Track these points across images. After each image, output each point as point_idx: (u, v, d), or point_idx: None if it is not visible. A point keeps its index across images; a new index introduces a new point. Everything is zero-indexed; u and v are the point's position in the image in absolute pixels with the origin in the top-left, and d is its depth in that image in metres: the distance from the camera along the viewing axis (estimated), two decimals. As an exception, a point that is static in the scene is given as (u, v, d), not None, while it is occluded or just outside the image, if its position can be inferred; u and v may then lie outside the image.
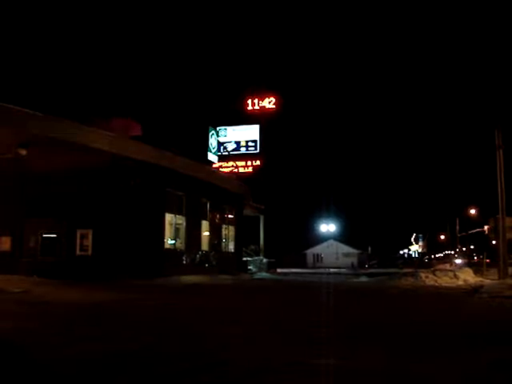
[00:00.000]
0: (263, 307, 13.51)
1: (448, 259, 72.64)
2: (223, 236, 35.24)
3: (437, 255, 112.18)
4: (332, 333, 8.43)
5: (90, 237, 24.01)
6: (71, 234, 24.15)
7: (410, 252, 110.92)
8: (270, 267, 42.06)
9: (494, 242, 31.35)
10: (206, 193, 31.67)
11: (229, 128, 43.36)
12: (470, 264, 51.60)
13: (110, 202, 23.72)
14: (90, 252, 23.92)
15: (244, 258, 39.42)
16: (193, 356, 6.66)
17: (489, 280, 25.65)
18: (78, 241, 24.16)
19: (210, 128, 41.89)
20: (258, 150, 42.73)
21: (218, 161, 42.57)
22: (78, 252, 24.08)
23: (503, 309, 13.64)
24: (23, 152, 20.46)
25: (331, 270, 65.14)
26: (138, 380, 5.51)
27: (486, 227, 38.50)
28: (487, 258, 43.92)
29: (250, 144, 42.94)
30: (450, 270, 29.08)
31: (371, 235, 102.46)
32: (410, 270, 36.57)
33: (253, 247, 45.18)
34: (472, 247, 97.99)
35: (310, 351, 6.95)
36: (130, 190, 24.43)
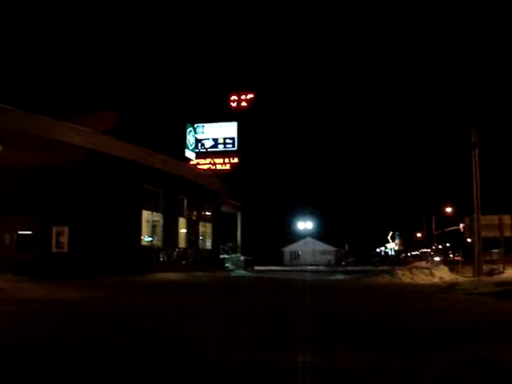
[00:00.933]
0: (240, 305, 13.48)
1: (424, 257, 73.16)
2: (200, 233, 35.18)
3: (413, 253, 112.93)
4: (309, 331, 8.43)
5: (66, 234, 23.77)
6: (47, 230, 23.90)
7: (387, 250, 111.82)
8: (247, 265, 42.11)
9: (469, 240, 31.65)
10: (184, 190, 31.59)
11: (206, 125, 43.23)
12: (445, 262, 51.95)
13: (86, 199, 23.52)
14: (66, 249, 23.69)
15: (221, 256, 39.43)
16: (171, 353, 6.61)
17: (464, 277, 25.89)
18: (54, 238, 23.91)
19: (188, 125, 41.76)
20: (235, 147, 42.68)
21: (196, 158, 42.45)
22: (54, 249, 23.84)
23: (477, 306, 13.74)
24: (-2, 148, 20.20)
25: (308, 267, 65.37)
26: (118, 376, 5.45)
27: (461, 225, 38.90)
28: (463, 256, 44.36)
29: (227, 141, 42.85)
30: (426, 268, 29.34)
31: (348, 233, 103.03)
32: (386, 268, 36.88)
33: (230, 244, 45.19)
34: (448, 245, 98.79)
35: (287, 348, 6.95)
36: (107, 186, 24.25)
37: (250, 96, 43.35)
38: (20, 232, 24.92)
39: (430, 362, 6.14)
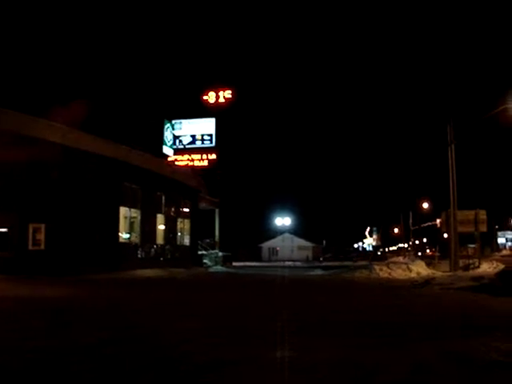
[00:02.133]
0: (219, 301, 13.50)
1: (402, 252, 73.70)
2: (178, 229, 35.12)
3: (390, 248, 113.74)
4: (287, 326, 8.47)
5: (43, 231, 23.60)
6: (23, 228, 23.71)
7: (365, 245, 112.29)
8: (226, 261, 42.14)
9: (445, 236, 31.94)
10: (162, 186, 31.52)
11: (184, 121, 42.99)
12: (422, 257, 52.41)
13: (63, 196, 23.37)
14: (43, 246, 23.52)
15: (199, 252, 39.41)
16: (151, 350, 6.62)
17: (440, 272, 26.15)
18: (31, 235, 23.73)
19: (166, 121, 41.51)
20: (213, 144, 42.47)
21: (174, 154, 42.19)
22: (30, 247, 23.65)
23: (452, 300, 13.90)
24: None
25: (286, 263, 65.53)
26: (101, 376, 5.44)
27: (438, 221, 39.24)
28: (439, 251, 44.78)
29: (205, 137, 42.64)
30: (404, 263, 29.60)
31: (326, 228, 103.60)
32: (364, 263, 37.07)
33: (208, 241, 45.13)
34: (425, 240, 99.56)
35: (264, 344, 6.98)
36: (85, 183, 24.11)
37: (228, 92, 43.22)
38: (-4, 229, 24.69)
39: (403, 355, 6.21)
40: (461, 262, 27.84)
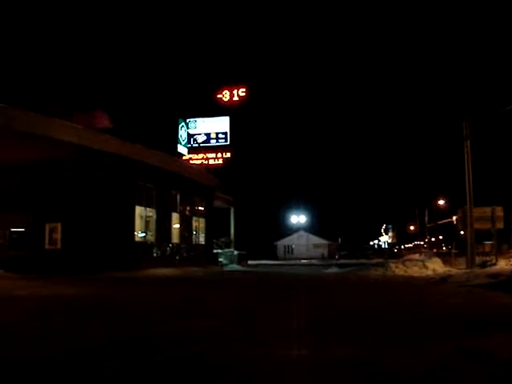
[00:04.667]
0: (234, 300, 13.50)
1: (418, 249, 73.29)
2: (194, 228, 35.15)
3: (406, 245, 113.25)
4: (303, 324, 8.45)
5: (59, 230, 23.75)
6: (40, 227, 23.87)
7: (380, 242, 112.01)
8: (241, 259, 42.14)
9: (462, 233, 31.72)
10: (177, 185, 31.56)
11: (199, 120, 43.14)
12: (438, 254, 52.13)
13: (79, 195, 23.48)
14: (59, 246, 23.68)
15: (215, 251, 39.42)
16: (171, 347, 6.63)
17: (457, 270, 25.98)
18: (47, 234, 23.90)
19: (180, 120, 41.65)
20: (228, 142, 42.60)
21: (188, 153, 42.37)
22: (47, 246, 23.82)
23: (469, 297, 13.81)
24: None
25: (302, 261, 65.51)
26: (123, 370, 5.45)
27: (454, 218, 38.97)
28: (456, 248, 44.48)
29: (220, 136, 42.77)
30: (420, 260, 29.41)
31: (341, 226, 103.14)
32: (380, 261, 36.90)
33: (223, 239, 45.19)
34: (441, 237, 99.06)
35: (281, 342, 6.97)
36: (100, 182, 24.21)
37: (242, 90, 43.22)
38: (13, 229, 24.90)
39: (421, 353, 6.17)
40: (477, 259, 27.66)
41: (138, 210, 27.63)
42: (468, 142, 27.47)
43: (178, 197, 32.12)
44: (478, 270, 23.47)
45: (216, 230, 41.17)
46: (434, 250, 69.74)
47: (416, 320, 9.21)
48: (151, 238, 29.12)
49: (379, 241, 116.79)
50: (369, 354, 6.24)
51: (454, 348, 6.42)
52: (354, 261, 51.92)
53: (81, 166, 23.57)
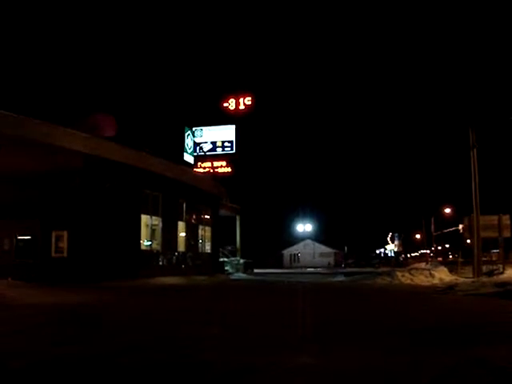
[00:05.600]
0: (240, 308, 13.47)
1: (424, 258, 73.16)
2: (200, 237, 35.14)
3: (412, 254, 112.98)
4: (309, 332, 8.44)
5: (66, 238, 23.75)
6: (46, 235, 23.89)
7: (386, 251, 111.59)
8: (247, 268, 42.12)
9: (468, 241, 31.62)
10: (183, 193, 31.58)
11: (205, 128, 43.18)
12: (445, 263, 51.98)
13: (85, 203, 23.51)
14: (65, 254, 23.67)
15: (221, 259, 39.41)
16: (174, 357, 6.62)
17: (463, 278, 25.91)
18: (54, 242, 23.90)
19: (186, 128, 41.71)
20: (234, 151, 42.61)
21: (194, 161, 42.39)
22: (53, 254, 23.82)
23: (476, 306, 13.75)
24: (-4, 153, 20.16)
25: (308, 269, 65.42)
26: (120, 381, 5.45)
27: (460, 226, 38.82)
28: (462, 257, 44.36)
29: (226, 144, 42.80)
30: (426, 269, 29.34)
31: (347, 234, 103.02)
32: (386, 269, 36.88)
33: (229, 248, 45.20)
34: (447, 246, 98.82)
35: (287, 351, 6.95)
36: (106, 190, 24.24)
37: (247, 98, 43.26)
38: (19, 237, 24.92)
39: (428, 362, 6.14)
40: (484, 268, 27.57)
41: (144, 218, 27.65)
42: (474, 150, 27.42)
43: (184, 205, 32.14)
44: (484, 279, 23.40)
45: (222, 239, 41.18)
46: (438, 258, 69.54)
47: (423, 329, 9.17)
48: (157, 246, 29.11)
49: (385, 249, 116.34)
50: (377, 362, 6.22)
51: (461, 357, 6.39)
52: (360, 269, 51.89)
53: (87, 174, 23.61)
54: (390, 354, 6.69)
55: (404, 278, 25.43)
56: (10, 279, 21.11)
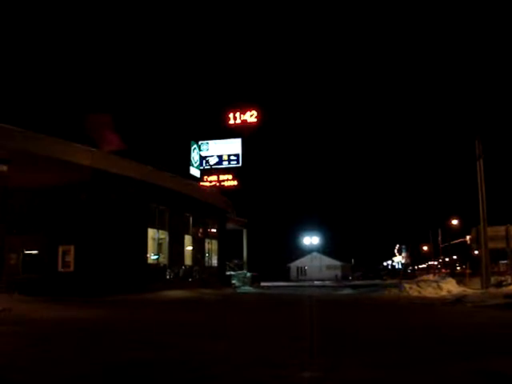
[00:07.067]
0: (248, 322, 13.43)
1: (432, 270, 72.86)
2: (206, 250, 35.12)
3: (420, 266, 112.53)
4: (316, 346, 8.40)
5: (72, 253, 23.75)
6: (53, 250, 23.89)
7: (394, 263, 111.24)
8: (254, 281, 42.02)
9: (476, 252, 31.50)
10: (189, 207, 31.60)
11: (211, 142, 43.31)
12: (453, 274, 51.78)
13: (92, 218, 23.53)
14: (72, 268, 23.66)
15: (227, 272, 39.34)
16: (182, 371, 6.60)
17: (472, 290, 25.77)
18: (60, 257, 23.89)
19: (192, 142, 41.84)
20: (240, 164, 42.69)
21: (201, 175, 42.47)
22: (60, 268, 23.81)
23: (485, 318, 13.67)
24: (3, 168, 20.21)
25: (315, 282, 65.23)
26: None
27: (468, 237, 38.70)
28: (470, 268, 44.17)
29: (232, 158, 42.88)
30: (434, 281, 29.23)
31: (354, 247, 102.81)
32: (393, 282, 36.73)
33: (236, 261, 45.16)
34: (455, 257, 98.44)
35: (294, 365, 6.91)
36: (113, 205, 24.27)
37: (253, 112, 43.35)
38: (26, 252, 24.92)
39: (435, 375, 6.10)
40: (492, 279, 27.42)
41: (151, 232, 27.66)
42: (481, 161, 27.36)
43: (191, 219, 32.15)
44: (493, 290, 23.27)
45: (229, 252, 41.15)
46: (443, 270, 69.18)
47: (431, 341, 9.12)
48: (164, 260, 29.11)
49: (392, 261, 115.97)
50: (387, 377, 6.17)
51: (470, 370, 6.34)
52: (367, 282, 51.74)
53: (94, 188, 23.64)
54: (396, 368, 6.64)
55: (412, 290, 25.33)
56: (16, 294, 21.12)
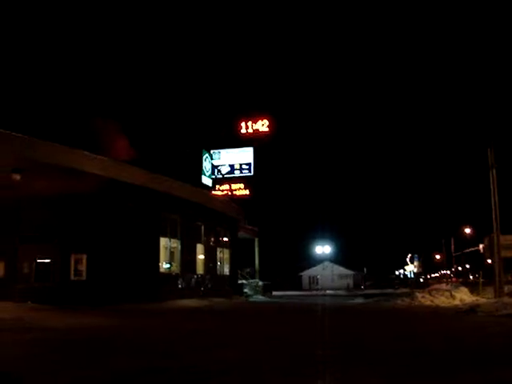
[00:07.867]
0: (259, 331, 13.41)
1: (444, 279, 72.49)
2: (218, 259, 35.11)
3: (432, 275, 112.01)
4: (328, 355, 8.36)
5: (85, 261, 23.85)
6: (65, 258, 23.99)
7: (406, 272, 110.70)
8: (266, 290, 41.92)
9: (489, 261, 31.33)
10: (201, 216, 31.62)
11: (222, 151, 43.31)
12: (465, 283, 51.49)
13: (104, 227, 23.61)
14: (84, 277, 23.76)
15: (239, 281, 39.27)
16: (191, 380, 6.59)
17: (485, 299, 25.60)
18: (73, 266, 24.00)
19: (204, 151, 41.85)
20: (252, 173, 42.63)
21: (213, 184, 42.45)
22: (72, 277, 23.91)
23: (499, 327, 13.57)
24: (17, 177, 20.34)
25: (327, 291, 65.01)
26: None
27: (481, 246, 38.51)
28: (483, 277, 43.90)
29: (243, 167, 42.84)
30: (447, 290, 29.05)
31: (366, 256, 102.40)
32: (406, 291, 36.55)
33: (248, 270, 45.07)
34: (468, 266, 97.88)
35: (307, 375, 6.90)
36: (125, 213, 24.34)
37: (265, 121, 43.35)
38: (39, 260, 25.03)
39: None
40: (506, 288, 27.26)
41: (163, 241, 27.69)
42: (493, 170, 27.24)
43: (203, 228, 32.17)
44: (506, 300, 23.10)
45: (240, 261, 41.10)
46: (453, 279, 68.72)
47: (444, 351, 9.06)
48: (176, 269, 29.12)
49: (405, 270, 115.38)
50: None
51: (484, 380, 6.29)
52: (379, 291, 51.47)
53: (106, 197, 23.73)
54: (408, 378, 6.61)
55: (424, 299, 25.20)
56: (29, 302, 21.21)
